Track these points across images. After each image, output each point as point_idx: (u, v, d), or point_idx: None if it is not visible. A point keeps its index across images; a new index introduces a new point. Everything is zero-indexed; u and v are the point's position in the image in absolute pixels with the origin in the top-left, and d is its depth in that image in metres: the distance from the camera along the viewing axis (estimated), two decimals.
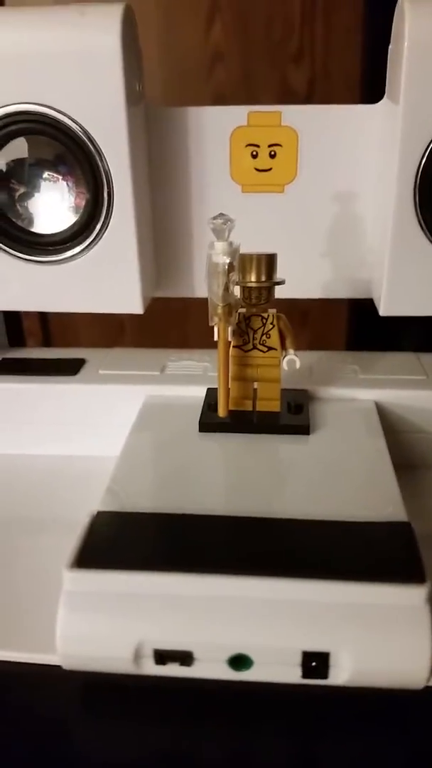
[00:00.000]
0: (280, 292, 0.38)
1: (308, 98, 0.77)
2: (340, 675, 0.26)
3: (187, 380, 0.43)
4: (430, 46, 0.35)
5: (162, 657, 0.27)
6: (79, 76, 0.37)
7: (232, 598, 0.27)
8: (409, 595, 0.26)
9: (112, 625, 0.27)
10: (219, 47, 0.76)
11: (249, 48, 0.77)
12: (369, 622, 0.26)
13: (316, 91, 0.79)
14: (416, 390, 0.42)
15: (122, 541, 0.29)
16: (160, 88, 0.78)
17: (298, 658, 0.26)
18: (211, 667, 0.27)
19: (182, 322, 0.71)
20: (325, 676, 0.26)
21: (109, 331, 0.84)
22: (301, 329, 0.83)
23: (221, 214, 0.34)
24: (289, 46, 0.77)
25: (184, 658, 0.27)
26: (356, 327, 0.78)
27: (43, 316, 0.85)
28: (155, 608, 0.27)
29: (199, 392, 0.42)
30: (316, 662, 0.26)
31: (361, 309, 0.46)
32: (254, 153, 0.42)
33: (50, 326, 0.86)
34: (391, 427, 0.41)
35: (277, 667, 0.27)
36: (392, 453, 0.37)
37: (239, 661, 0.27)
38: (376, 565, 0.27)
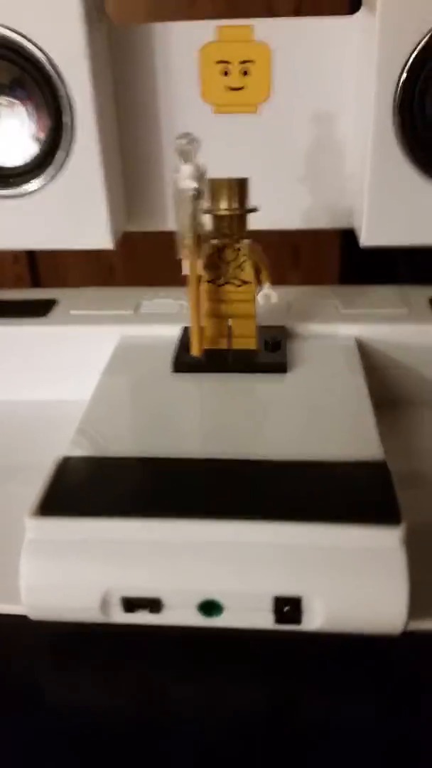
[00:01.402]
0: (255, 223, 0.36)
1: (296, 12, 0.72)
2: (313, 620, 0.26)
3: (162, 319, 0.42)
4: None
5: (130, 604, 0.26)
6: None
7: (200, 542, 0.26)
8: (384, 536, 0.25)
9: (77, 574, 0.26)
10: None
11: None
12: (343, 565, 0.25)
13: (305, 5, 0.75)
14: (397, 324, 0.40)
15: (88, 487, 0.28)
16: (142, 3, 0.73)
17: (270, 604, 0.25)
18: (180, 614, 0.26)
19: (176, 260, 0.68)
20: (298, 621, 0.26)
21: (99, 272, 0.82)
22: (293, 265, 0.81)
23: (185, 134, 0.32)
24: None
25: (153, 604, 0.26)
26: (349, 260, 0.75)
27: (31, 259, 0.82)
28: (121, 554, 0.26)
29: (175, 331, 0.40)
30: (288, 607, 0.25)
31: (354, 240, 0.43)
32: (225, 71, 0.39)
33: (39, 269, 0.84)
34: (372, 363, 0.40)
35: (249, 612, 0.26)
36: (373, 390, 0.35)
37: (209, 607, 0.26)
38: (350, 506, 0.26)
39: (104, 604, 0.26)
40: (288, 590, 0.25)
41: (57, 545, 0.26)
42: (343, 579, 0.25)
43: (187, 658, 0.28)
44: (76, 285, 0.80)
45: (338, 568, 0.25)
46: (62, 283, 0.82)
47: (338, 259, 0.76)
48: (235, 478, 0.28)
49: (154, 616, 0.26)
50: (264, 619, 0.26)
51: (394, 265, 0.63)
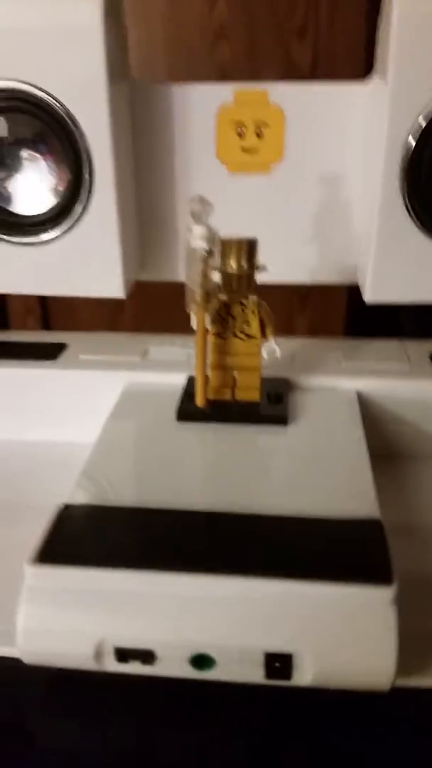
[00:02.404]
0: (264, 277, 0.37)
1: (312, 76, 0.75)
2: (303, 676, 0.26)
3: (169, 367, 0.43)
4: (419, 20, 0.33)
5: (123, 655, 0.26)
6: (59, 51, 0.36)
7: (194, 596, 0.26)
8: (375, 595, 0.26)
9: (73, 622, 0.26)
10: (223, 23, 0.74)
11: (253, 24, 0.74)
12: (334, 623, 0.25)
13: (320, 69, 0.77)
14: (398, 380, 0.41)
15: (87, 536, 0.29)
16: (165, 65, 0.76)
17: (261, 659, 0.26)
18: (173, 666, 0.26)
19: (183, 304, 0.69)
20: (288, 677, 0.26)
21: (110, 310, 0.83)
22: (300, 313, 0.82)
23: (199, 197, 0.33)
24: (293, 22, 0.75)
25: (146, 656, 0.26)
26: (354, 312, 0.77)
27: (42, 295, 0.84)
28: (117, 606, 0.26)
29: (181, 379, 0.41)
30: (279, 663, 0.26)
31: (359, 294, 0.44)
32: (240, 132, 0.40)
33: (49, 305, 0.85)
34: (373, 416, 0.40)
35: (240, 667, 0.26)
36: (373, 443, 0.36)
37: (201, 661, 0.26)
38: (343, 564, 0.27)
39: (98, 654, 0.26)
40: (279, 647, 0.26)
41: (54, 593, 0.27)
42: (333, 637, 0.25)
43: (179, 707, 0.28)
44: (85, 320, 0.82)
45: (329, 626, 0.25)
46: (72, 318, 0.84)
47: (344, 307, 0.77)
48: (231, 533, 0.29)
49: (147, 668, 0.27)
50: (255, 674, 0.26)
51: (398, 317, 0.64)
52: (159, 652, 0.26)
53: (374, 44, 0.38)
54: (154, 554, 0.27)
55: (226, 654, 0.26)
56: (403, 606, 0.26)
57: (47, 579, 0.27)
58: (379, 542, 0.28)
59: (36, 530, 0.29)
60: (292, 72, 0.75)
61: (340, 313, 0.78)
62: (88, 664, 0.27)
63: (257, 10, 0.74)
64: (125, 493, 0.32)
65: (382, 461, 0.35)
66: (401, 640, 0.25)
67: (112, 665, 0.27)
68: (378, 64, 0.37)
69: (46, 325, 0.83)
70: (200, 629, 0.26)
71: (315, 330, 0.80)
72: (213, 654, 0.26)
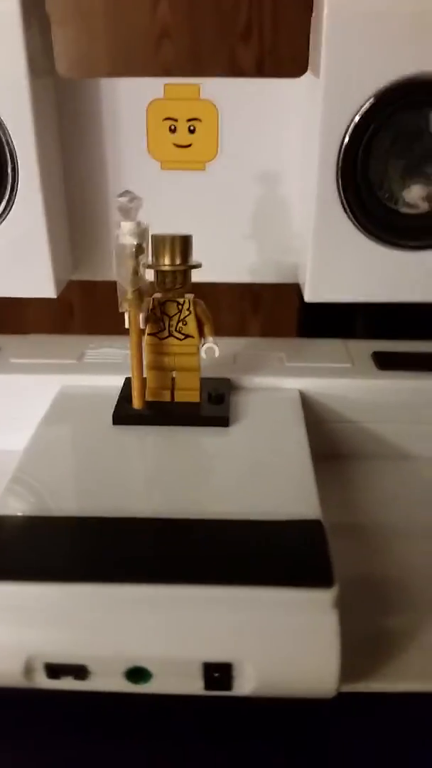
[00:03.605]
0: (203, 275, 0.36)
1: (257, 75, 0.75)
2: (244, 685, 0.25)
3: (105, 369, 0.41)
4: (349, 15, 0.33)
5: (54, 671, 0.25)
6: None
7: (126, 607, 0.25)
8: (316, 598, 0.25)
9: (0, 638, 0.25)
10: (166, 24, 0.74)
11: (196, 26, 0.74)
12: (274, 629, 0.25)
13: (265, 70, 0.77)
14: (340, 378, 0.40)
15: (11, 548, 0.27)
16: (106, 65, 0.75)
17: (200, 670, 0.25)
18: (107, 681, 0.25)
19: None
20: (228, 687, 0.25)
21: (58, 312, 0.81)
22: (253, 315, 0.81)
23: (127, 192, 0.32)
24: (236, 23, 0.75)
25: (78, 671, 0.25)
26: (306, 313, 0.76)
27: None
28: (44, 620, 0.25)
29: (118, 382, 0.40)
30: (218, 673, 0.25)
31: None
32: (172, 127, 0.39)
33: None
34: (315, 416, 0.40)
35: (178, 678, 0.25)
36: (316, 443, 0.35)
37: (137, 674, 0.25)
38: (282, 567, 0.26)
39: (27, 670, 0.25)
40: (218, 656, 0.24)
41: None
42: (274, 643, 0.25)
43: (116, 722, 0.26)
44: (35, 323, 0.79)
45: (269, 633, 0.25)
46: (20, 320, 0.81)
47: (296, 308, 0.77)
48: (167, 539, 0.28)
49: (80, 683, 0.25)
50: (194, 686, 0.25)
51: (349, 318, 0.64)
52: (92, 666, 0.25)
53: None
54: (82, 565, 0.26)
55: (162, 666, 0.25)
56: (346, 608, 0.25)
57: None
58: (320, 543, 0.27)
59: None
60: (237, 73, 0.75)
61: (292, 315, 0.78)
62: (17, 681, 0.25)
63: (201, 11, 0.74)
64: (55, 501, 0.30)
65: (325, 460, 0.34)
66: (345, 643, 0.24)
67: (43, 682, 0.25)
68: (311, 59, 0.37)
69: None
70: (134, 641, 0.25)
71: (267, 332, 0.80)
72: (149, 666, 0.25)
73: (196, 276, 0.36)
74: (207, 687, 0.25)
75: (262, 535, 0.27)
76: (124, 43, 0.74)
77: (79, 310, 0.81)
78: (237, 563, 0.26)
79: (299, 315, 0.77)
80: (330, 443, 0.41)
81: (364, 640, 0.28)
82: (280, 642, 0.25)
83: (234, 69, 0.76)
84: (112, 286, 0.41)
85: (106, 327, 0.49)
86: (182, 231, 0.35)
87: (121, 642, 0.25)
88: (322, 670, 0.25)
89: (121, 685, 0.25)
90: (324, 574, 0.25)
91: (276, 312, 0.80)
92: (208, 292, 0.38)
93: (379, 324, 0.56)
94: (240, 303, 0.81)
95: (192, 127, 0.39)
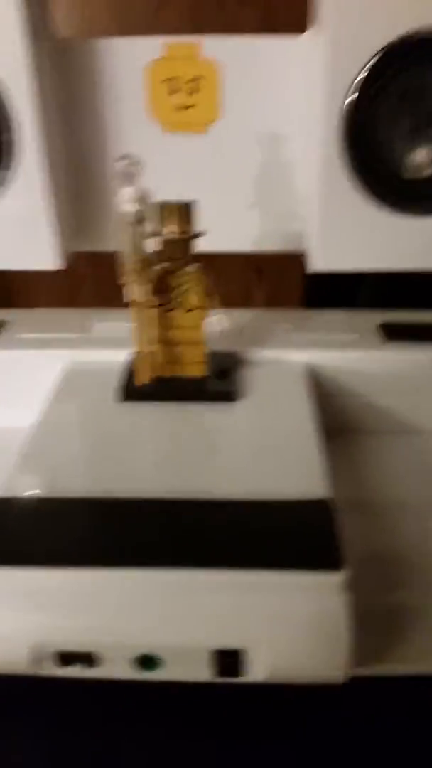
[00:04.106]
0: (206, 245, 0.35)
1: (258, 30, 0.71)
2: (255, 672, 0.25)
3: (113, 343, 0.40)
4: None
5: (64, 658, 0.25)
6: None
7: (135, 592, 0.24)
8: (325, 582, 0.24)
9: (7, 625, 0.25)
10: None
11: None
12: (283, 615, 0.24)
13: (266, 27, 0.73)
14: (347, 351, 0.39)
15: (22, 532, 0.27)
16: (105, 25, 0.72)
17: (209, 657, 0.24)
18: (117, 668, 0.25)
19: None
20: (238, 674, 0.25)
21: (70, 286, 0.80)
22: (257, 285, 0.80)
23: (126, 155, 0.31)
24: None
25: (88, 658, 0.25)
26: (311, 283, 0.74)
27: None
28: (52, 606, 0.24)
29: (124, 356, 0.39)
30: (228, 660, 0.24)
31: None
32: (174, 89, 0.37)
33: (10, 279, 0.82)
34: (323, 389, 0.39)
35: (188, 666, 0.25)
36: (323, 417, 0.34)
37: (147, 662, 0.25)
38: (291, 550, 0.25)
39: (36, 657, 0.25)
40: (227, 643, 0.24)
41: None
42: (283, 629, 0.24)
43: (126, 710, 0.26)
44: (47, 295, 0.78)
45: (278, 618, 0.24)
46: (34, 293, 0.80)
47: (301, 278, 0.75)
48: (174, 522, 0.27)
49: (90, 670, 0.25)
50: (204, 673, 0.25)
51: (355, 287, 0.62)
52: (102, 653, 0.25)
53: None
54: (90, 550, 0.26)
55: (173, 653, 0.24)
56: (356, 586, 0.24)
57: None
58: (329, 525, 0.26)
59: None
60: (237, 31, 0.72)
61: (298, 285, 0.76)
62: (26, 668, 0.25)
63: None
64: (63, 482, 0.30)
65: (333, 435, 0.34)
66: (355, 624, 0.24)
67: (52, 669, 0.25)
68: (314, 16, 0.35)
69: (7, 299, 0.79)
70: (144, 628, 0.24)
71: (272, 302, 0.78)
72: (159, 653, 0.24)
73: (198, 245, 0.35)
74: (218, 674, 0.25)
75: (270, 517, 0.27)
76: (123, 7, 0.71)
77: (91, 282, 0.80)
78: (246, 546, 0.25)
79: (304, 284, 0.75)
80: (338, 417, 0.40)
81: (374, 620, 0.27)
82: (289, 627, 0.24)
83: (234, 27, 0.73)
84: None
85: (118, 300, 0.48)
86: (184, 196, 0.34)
87: (131, 628, 0.24)
88: (332, 654, 0.24)
89: (132, 673, 0.25)
90: (333, 557, 0.25)
91: (280, 282, 0.78)
92: (210, 261, 0.37)
93: (385, 294, 0.55)
94: (244, 273, 0.79)
95: (193, 88, 0.37)
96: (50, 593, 0.25)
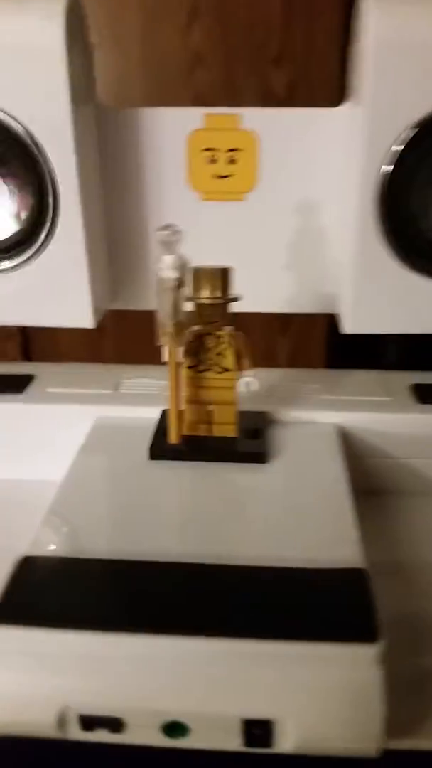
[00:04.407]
0: (240, 305, 0.36)
1: (289, 102, 0.74)
2: (285, 743, 0.24)
3: (142, 400, 0.41)
4: (394, 44, 0.32)
5: (89, 723, 0.24)
6: (20, 70, 0.34)
7: (164, 659, 0.24)
8: (360, 654, 0.24)
9: (33, 687, 0.24)
10: (199, 50, 0.74)
11: (229, 52, 0.74)
12: (315, 686, 0.24)
13: (297, 96, 0.76)
14: (379, 413, 0.39)
15: (48, 591, 0.26)
16: (140, 90, 0.75)
17: (239, 726, 0.24)
18: (143, 734, 0.24)
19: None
20: (268, 744, 0.24)
21: (91, 338, 0.81)
22: (281, 342, 0.81)
23: (168, 225, 0.32)
24: (269, 49, 0.74)
25: (114, 724, 0.24)
26: (335, 341, 0.75)
27: None
28: (81, 669, 0.24)
29: (154, 413, 0.39)
30: (258, 730, 0.24)
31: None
32: (213, 158, 0.39)
33: (29, 331, 0.83)
34: (354, 450, 0.39)
35: (216, 734, 0.24)
36: (355, 478, 0.34)
37: (174, 729, 0.24)
38: (324, 621, 0.25)
39: (61, 721, 0.24)
40: (258, 713, 0.23)
41: (12, 656, 0.24)
42: (315, 700, 0.23)
43: None
44: (66, 347, 0.79)
45: (311, 689, 0.23)
46: (52, 344, 0.82)
47: (325, 336, 0.76)
48: (205, 587, 0.27)
49: (115, 736, 0.24)
50: (232, 742, 0.24)
51: (379, 347, 0.62)
52: (128, 719, 0.24)
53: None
54: (121, 614, 0.25)
55: (200, 721, 0.24)
56: (390, 651, 0.24)
57: (4, 641, 0.24)
58: (364, 595, 0.26)
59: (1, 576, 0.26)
60: (270, 99, 0.75)
61: (321, 342, 0.77)
62: (50, 732, 0.24)
63: (233, 38, 0.74)
64: (92, 542, 0.30)
65: (365, 496, 0.33)
66: (389, 694, 0.23)
67: (77, 733, 0.24)
68: (352, 90, 0.36)
69: (26, 351, 0.80)
70: (172, 694, 0.24)
71: (295, 359, 0.79)
72: (186, 721, 0.24)
73: (234, 307, 0.35)
74: (247, 744, 0.24)
75: (303, 585, 0.26)
76: (158, 69, 0.74)
77: (112, 334, 0.81)
78: (277, 616, 0.25)
79: (326, 343, 0.76)
80: (370, 479, 0.39)
81: (406, 687, 0.27)
82: (322, 699, 0.23)
83: (267, 96, 0.75)
84: (145, 312, 0.41)
85: (138, 353, 0.48)
86: (221, 262, 0.34)
87: (159, 695, 0.24)
88: (365, 727, 0.23)
89: (158, 740, 0.24)
90: (368, 629, 0.24)
91: (304, 341, 0.79)
92: (239, 319, 0.37)
93: (411, 354, 0.55)
94: (267, 331, 0.80)
95: (232, 158, 0.39)
96: (76, 656, 0.24)
